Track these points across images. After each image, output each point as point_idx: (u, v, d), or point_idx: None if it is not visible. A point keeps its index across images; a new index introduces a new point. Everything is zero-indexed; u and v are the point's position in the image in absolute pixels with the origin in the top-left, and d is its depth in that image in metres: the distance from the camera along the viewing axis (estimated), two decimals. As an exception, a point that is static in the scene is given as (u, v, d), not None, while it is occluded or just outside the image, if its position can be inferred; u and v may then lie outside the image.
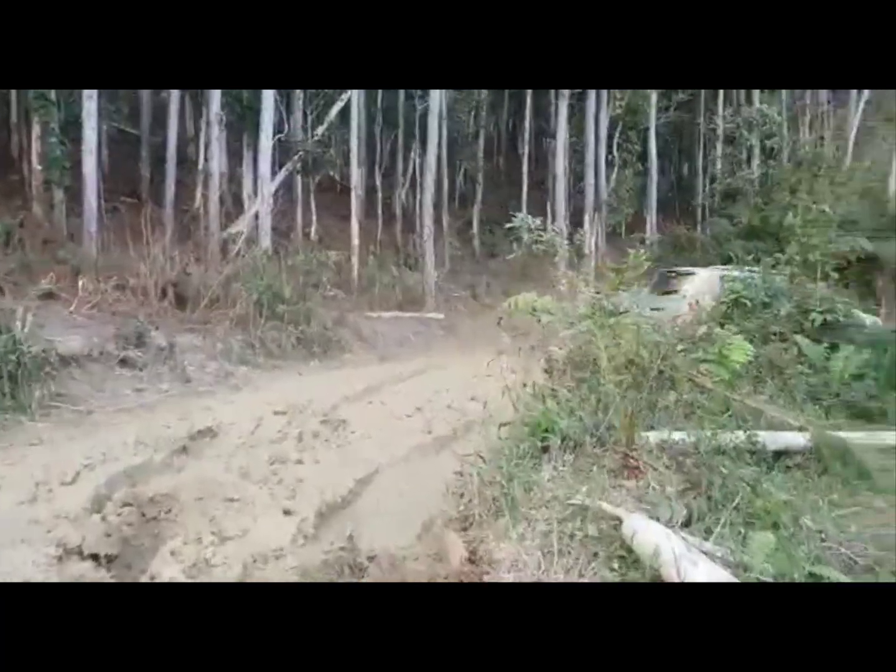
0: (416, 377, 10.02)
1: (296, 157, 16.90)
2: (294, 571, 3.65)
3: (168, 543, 4.03)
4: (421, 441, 6.44)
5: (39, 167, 12.66)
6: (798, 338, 7.95)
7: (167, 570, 3.69)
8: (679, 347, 6.02)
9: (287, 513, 4.56)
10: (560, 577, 3.04)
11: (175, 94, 16.29)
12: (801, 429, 5.50)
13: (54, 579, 3.43)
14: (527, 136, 23.80)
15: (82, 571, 3.60)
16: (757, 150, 24.62)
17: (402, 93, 20.59)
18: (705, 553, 2.92)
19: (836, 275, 9.81)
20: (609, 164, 23.21)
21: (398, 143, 21.77)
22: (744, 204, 23.00)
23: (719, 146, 25.55)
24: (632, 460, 4.27)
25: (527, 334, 7.43)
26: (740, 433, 4.94)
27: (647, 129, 23.94)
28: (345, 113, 17.95)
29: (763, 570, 2.80)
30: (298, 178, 17.74)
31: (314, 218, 18.52)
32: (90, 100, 12.25)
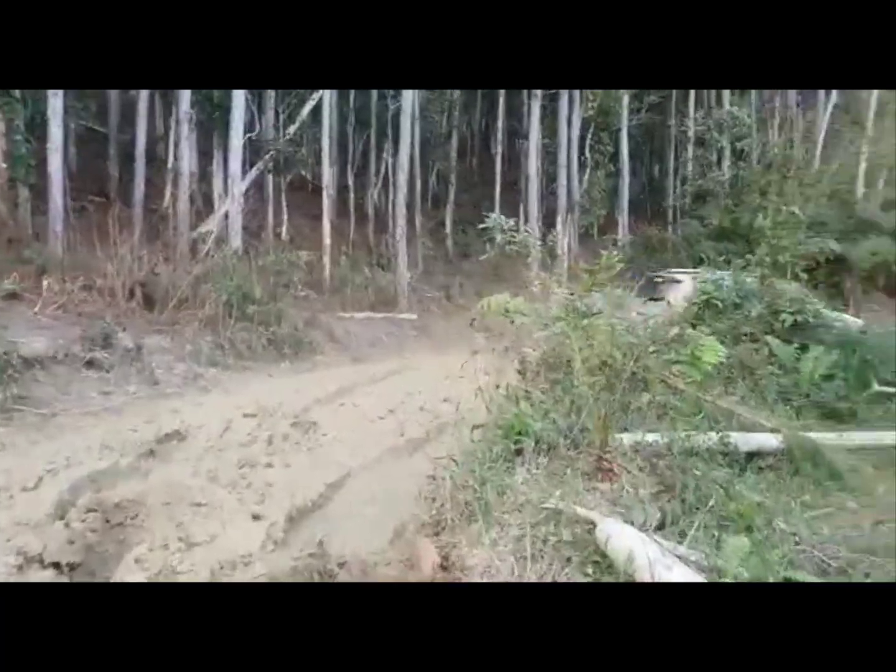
0: (389, 378, 9.96)
1: (267, 157, 16.72)
2: (263, 578, 3.59)
3: (133, 550, 3.95)
4: (393, 443, 6.39)
5: (4, 165, 12.35)
6: (769, 338, 8.00)
7: (131, 577, 3.64)
8: (651, 349, 6.02)
9: (256, 518, 4.48)
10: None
11: (144, 93, 16.03)
12: (773, 430, 5.53)
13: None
14: (500, 136, 23.77)
15: (43, 580, 3.51)
16: (727, 152, 24.86)
17: (374, 92, 20.46)
18: (679, 557, 2.90)
19: (805, 276, 9.90)
20: (581, 166, 23.30)
21: (371, 142, 21.63)
22: (714, 205, 23.20)
23: (690, 148, 25.77)
24: (605, 463, 4.25)
25: (501, 335, 7.39)
26: (713, 434, 4.95)
27: (618, 131, 24.10)
28: (317, 112, 17.79)
29: (737, 575, 2.78)
30: (269, 177, 17.55)
31: (285, 217, 18.35)
32: (56, 97, 12.01)
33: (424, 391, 8.47)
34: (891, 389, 7.22)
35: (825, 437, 5.46)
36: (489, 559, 3.23)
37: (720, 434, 4.98)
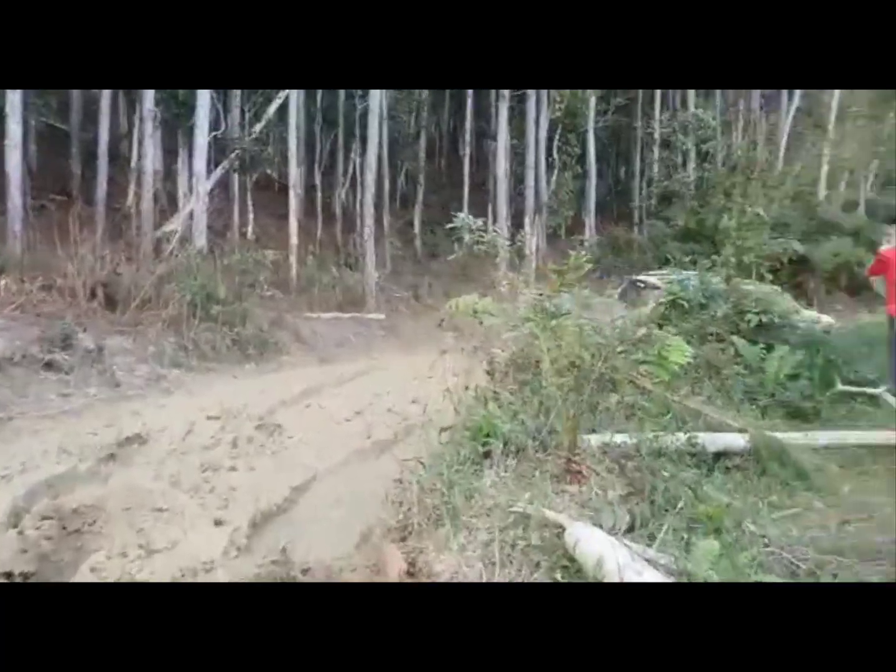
0: (356, 379, 9.86)
1: (233, 155, 16.52)
2: (225, 586, 3.49)
3: (90, 558, 3.83)
4: (360, 446, 6.30)
5: (-40, 162, 12.11)
6: (735, 338, 8.04)
7: (87, 587, 3.50)
8: (619, 349, 6.01)
9: (219, 523, 4.38)
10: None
11: (107, 90, 15.72)
12: (740, 430, 5.55)
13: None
14: (468, 137, 23.76)
15: (-6, 590, 3.38)
16: (692, 154, 25.08)
17: (342, 92, 20.31)
18: (649, 561, 2.87)
19: (770, 276, 9.99)
20: (549, 167, 23.40)
21: (338, 142, 21.49)
22: (680, 207, 23.39)
23: (656, 150, 26.01)
24: (574, 465, 4.22)
25: (470, 336, 7.35)
26: (681, 435, 4.95)
27: (585, 133, 24.24)
28: (283, 111, 17.61)
29: (707, 578, 2.76)
30: (235, 176, 17.33)
31: (251, 217, 18.16)
32: (14, 93, 11.73)
33: (392, 392, 8.39)
34: (854, 389, 7.31)
35: (791, 437, 5.49)
36: (457, 565, 3.17)
37: (688, 434, 4.99)
